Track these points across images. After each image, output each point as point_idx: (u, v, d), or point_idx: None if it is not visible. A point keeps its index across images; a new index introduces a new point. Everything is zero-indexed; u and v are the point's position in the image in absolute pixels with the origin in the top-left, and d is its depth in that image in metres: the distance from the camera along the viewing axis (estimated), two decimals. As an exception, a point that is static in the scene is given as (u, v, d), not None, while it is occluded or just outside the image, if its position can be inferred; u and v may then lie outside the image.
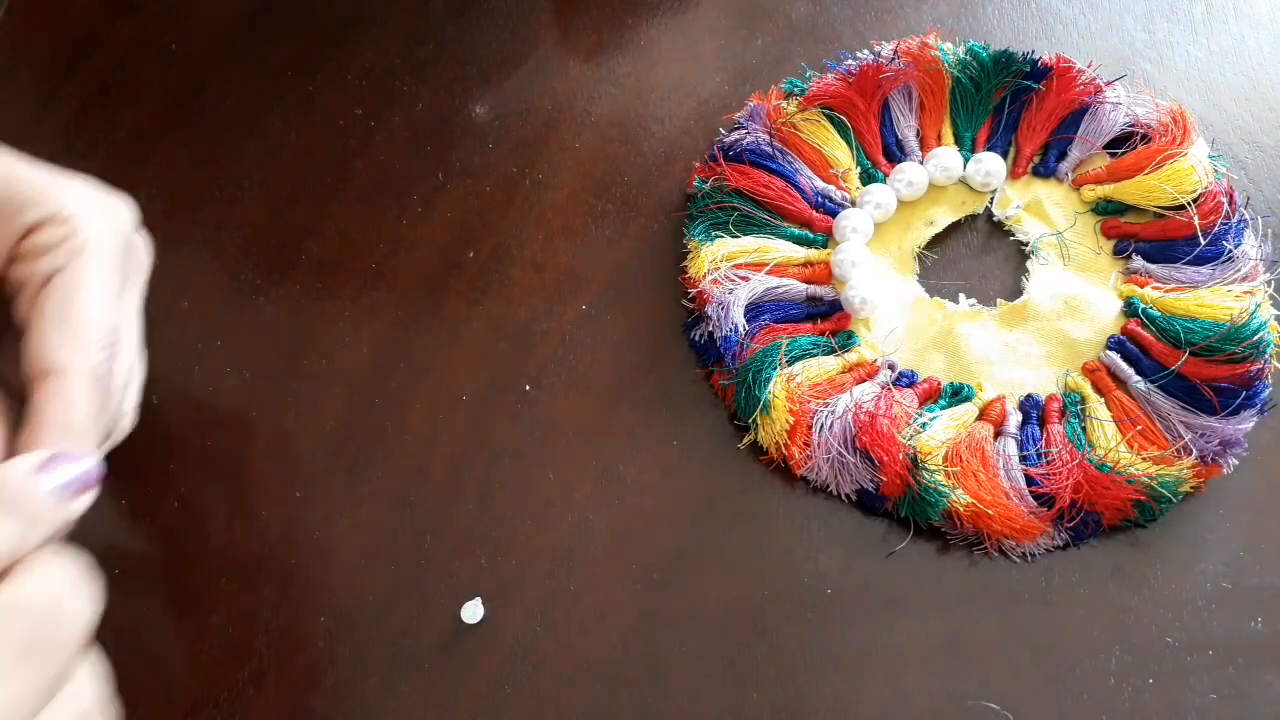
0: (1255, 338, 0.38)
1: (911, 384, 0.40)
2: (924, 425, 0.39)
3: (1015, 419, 0.40)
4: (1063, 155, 0.44)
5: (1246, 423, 0.39)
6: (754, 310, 0.41)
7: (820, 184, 0.44)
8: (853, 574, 0.38)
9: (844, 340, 0.41)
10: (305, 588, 0.37)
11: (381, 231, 0.44)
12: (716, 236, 0.42)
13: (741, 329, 0.40)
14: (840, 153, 0.44)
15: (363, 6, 0.49)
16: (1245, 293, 0.40)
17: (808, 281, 0.42)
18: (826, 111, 0.44)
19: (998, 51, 0.45)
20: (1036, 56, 0.45)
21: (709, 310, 0.40)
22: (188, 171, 0.45)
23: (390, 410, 0.40)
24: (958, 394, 0.40)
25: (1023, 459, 0.38)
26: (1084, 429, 0.39)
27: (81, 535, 0.25)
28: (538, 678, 0.36)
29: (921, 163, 0.44)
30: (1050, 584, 0.38)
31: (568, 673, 0.36)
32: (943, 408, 0.40)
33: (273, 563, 0.37)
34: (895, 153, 0.45)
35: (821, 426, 0.38)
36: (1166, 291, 0.41)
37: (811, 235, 0.43)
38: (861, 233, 0.42)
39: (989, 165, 0.44)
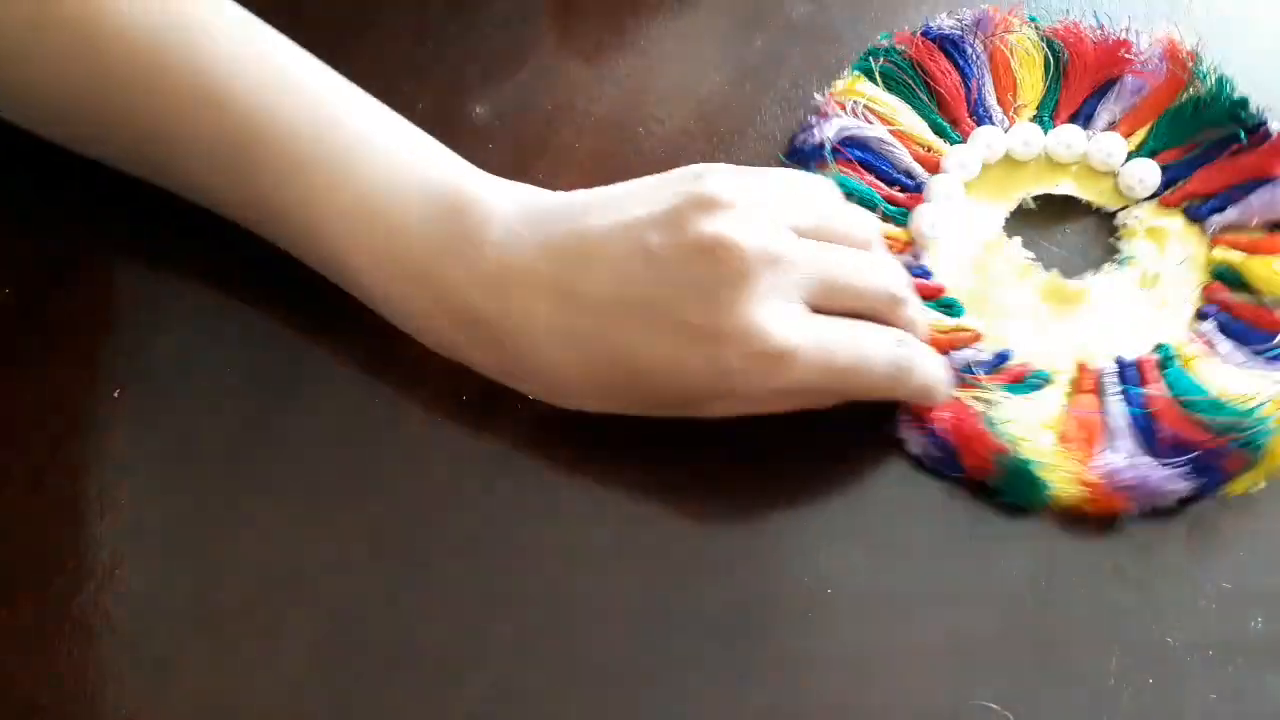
0: None
1: (1002, 363, 0.40)
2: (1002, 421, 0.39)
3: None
4: (1221, 209, 0.43)
5: None
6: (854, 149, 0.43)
7: (992, 103, 0.45)
8: (853, 574, 0.38)
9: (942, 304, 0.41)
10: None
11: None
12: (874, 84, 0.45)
13: (828, 147, 0.43)
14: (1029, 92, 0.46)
15: (362, 6, 0.49)
16: None
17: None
18: (1050, 43, 0.46)
19: (1239, 97, 0.45)
20: (1266, 118, 0.44)
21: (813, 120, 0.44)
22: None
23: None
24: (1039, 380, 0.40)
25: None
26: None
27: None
28: (536, 677, 0.36)
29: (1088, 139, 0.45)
30: (1050, 584, 0.38)
31: (567, 672, 0.36)
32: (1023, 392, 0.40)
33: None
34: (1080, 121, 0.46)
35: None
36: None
37: (953, 135, 0.45)
38: (968, 169, 0.44)
39: (1109, 146, 0.44)
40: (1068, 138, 0.44)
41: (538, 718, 0.35)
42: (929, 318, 0.40)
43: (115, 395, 0.40)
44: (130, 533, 0.38)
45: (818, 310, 0.34)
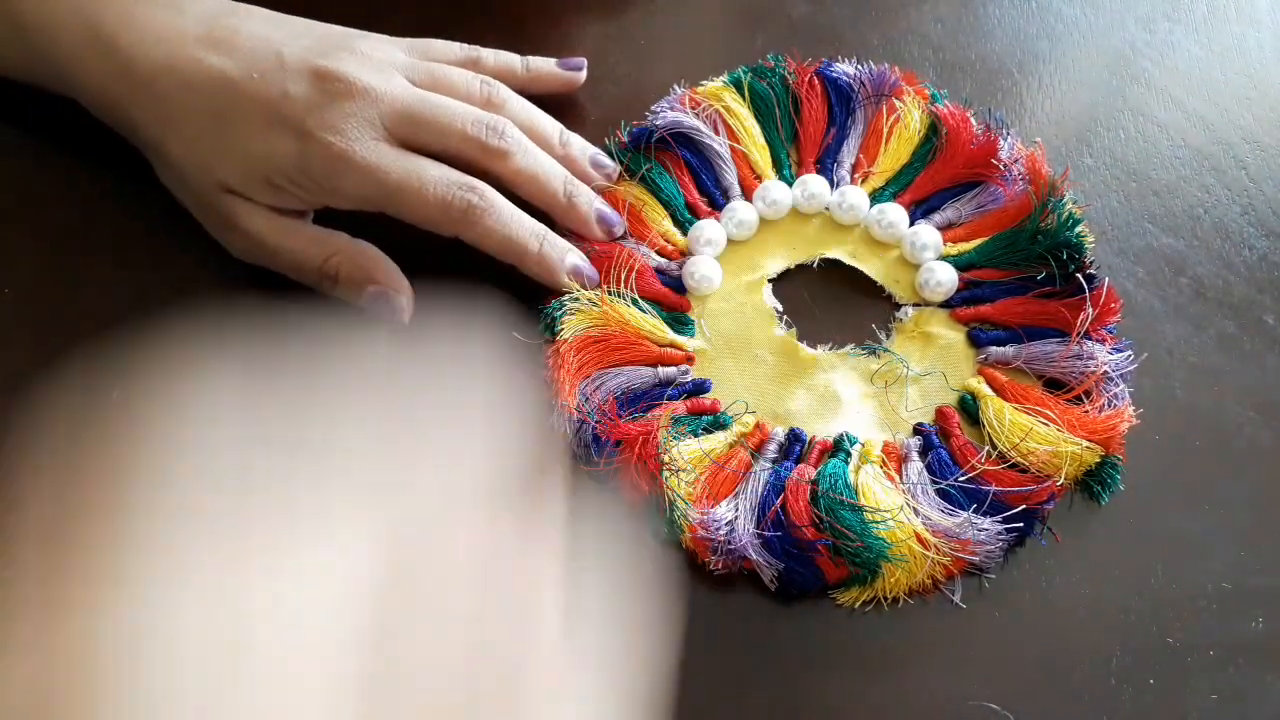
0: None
1: (697, 392, 0.40)
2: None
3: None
4: (1004, 344, 0.41)
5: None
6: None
7: (846, 158, 0.45)
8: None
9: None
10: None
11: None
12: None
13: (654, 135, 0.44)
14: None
15: (364, 7, 0.49)
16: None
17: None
18: (935, 123, 0.45)
19: (1077, 241, 0.42)
20: (1094, 273, 0.42)
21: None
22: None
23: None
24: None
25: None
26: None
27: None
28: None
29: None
30: (1050, 584, 0.38)
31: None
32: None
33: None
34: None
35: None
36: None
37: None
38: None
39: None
40: (893, 216, 0.43)
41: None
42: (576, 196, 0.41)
43: (115, 395, 0.40)
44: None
45: (410, 146, 0.39)
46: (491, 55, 0.44)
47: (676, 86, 0.46)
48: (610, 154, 0.44)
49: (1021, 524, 0.37)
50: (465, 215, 0.39)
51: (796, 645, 0.37)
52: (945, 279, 0.42)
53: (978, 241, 0.43)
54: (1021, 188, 0.43)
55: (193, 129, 0.39)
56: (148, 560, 0.22)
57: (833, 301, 0.43)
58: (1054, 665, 0.36)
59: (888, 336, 0.42)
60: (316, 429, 0.25)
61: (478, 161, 0.40)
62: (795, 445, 0.39)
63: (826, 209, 0.44)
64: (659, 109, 0.45)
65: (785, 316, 0.42)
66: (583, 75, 0.45)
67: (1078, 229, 0.42)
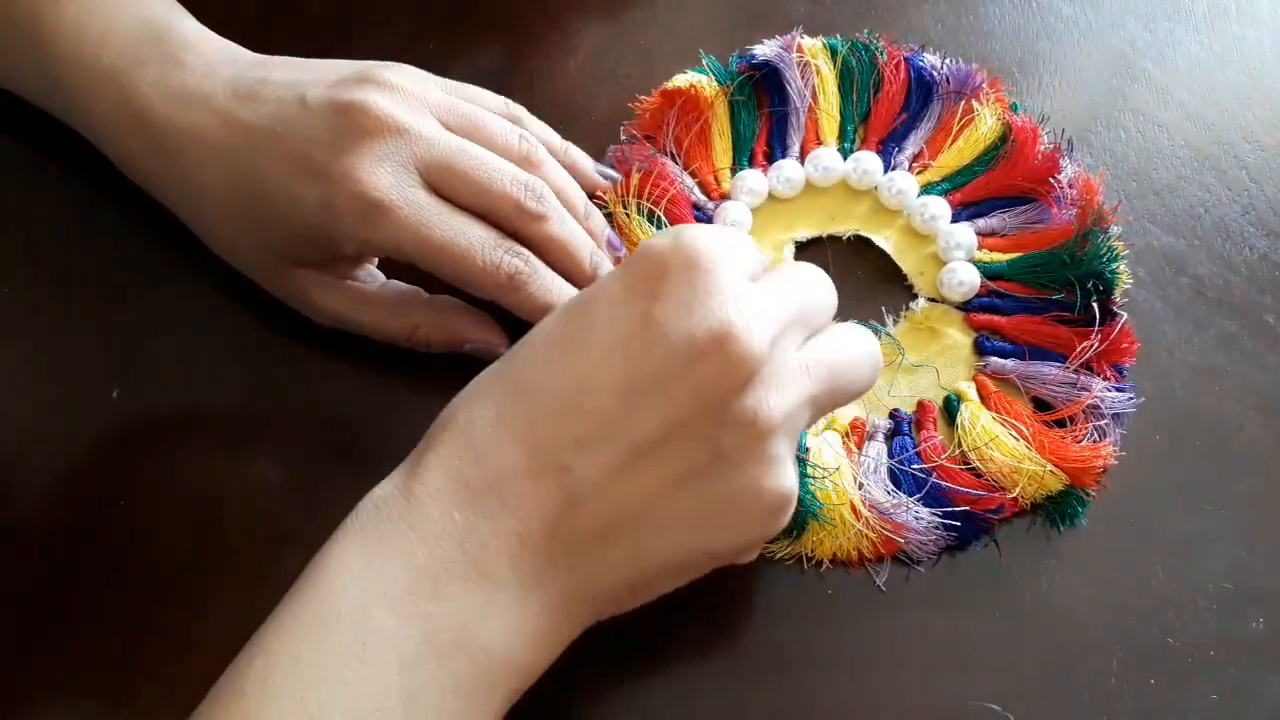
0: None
1: None
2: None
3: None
4: (1005, 357, 0.41)
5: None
6: None
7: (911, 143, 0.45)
8: (853, 574, 0.38)
9: None
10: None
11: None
12: None
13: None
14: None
15: (366, 7, 0.49)
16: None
17: None
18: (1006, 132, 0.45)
19: (1109, 274, 0.41)
20: (1115, 310, 0.41)
21: None
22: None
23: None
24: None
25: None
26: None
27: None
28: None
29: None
30: (1050, 584, 0.38)
31: (564, 673, 0.36)
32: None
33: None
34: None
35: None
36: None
37: None
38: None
39: (867, 164, 0.44)
40: (936, 210, 0.43)
41: (536, 716, 0.35)
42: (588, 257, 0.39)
43: (115, 395, 0.40)
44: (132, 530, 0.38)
45: (441, 195, 0.37)
46: (534, 122, 0.42)
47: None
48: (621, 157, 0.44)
49: (960, 524, 0.37)
50: (511, 281, 0.37)
51: (796, 645, 0.37)
52: (967, 280, 0.42)
53: (1013, 255, 0.42)
54: (1071, 213, 0.42)
55: (226, 199, 0.37)
56: None
57: (851, 277, 0.43)
58: (1054, 665, 0.36)
59: (895, 323, 0.42)
60: None
61: (510, 221, 0.38)
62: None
63: (875, 188, 0.44)
64: (768, 45, 0.45)
65: None
66: (610, 186, 0.44)
67: (1114, 265, 0.41)
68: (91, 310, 0.42)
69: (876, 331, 0.41)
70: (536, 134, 0.41)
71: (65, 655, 0.36)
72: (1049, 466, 0.38)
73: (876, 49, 0.46)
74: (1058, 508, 0.38)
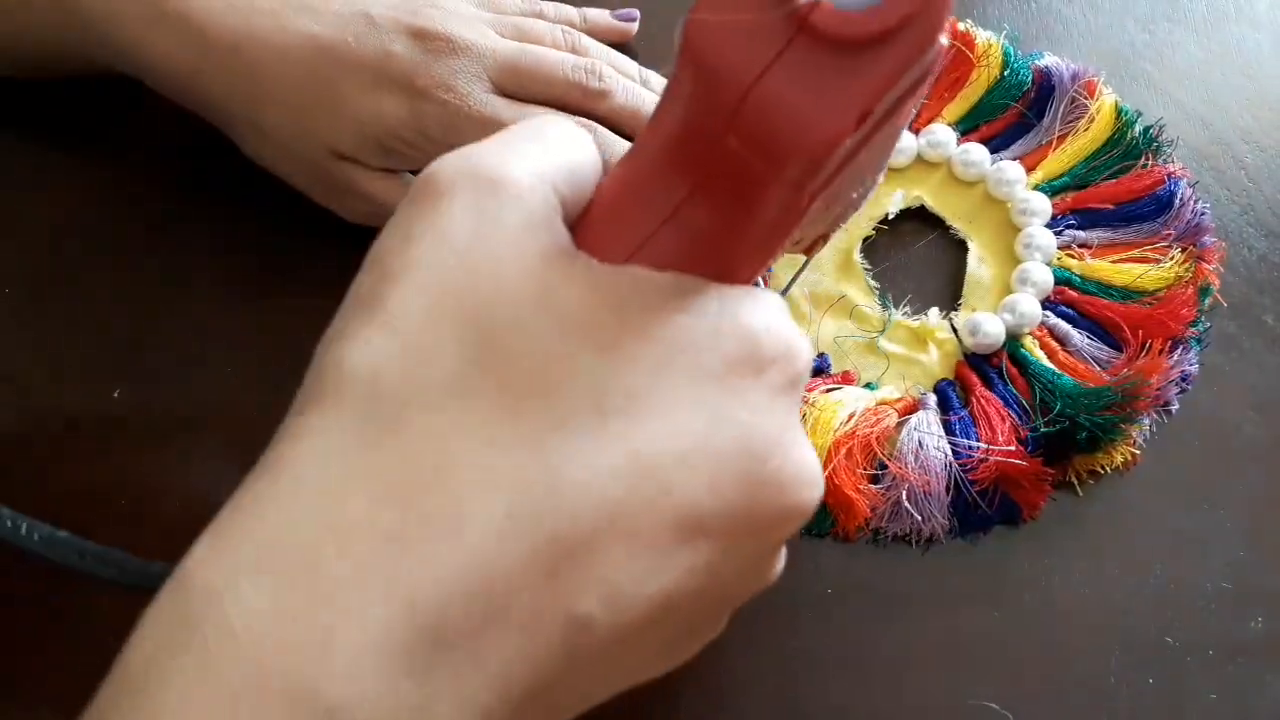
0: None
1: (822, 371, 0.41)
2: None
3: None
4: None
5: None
6: None
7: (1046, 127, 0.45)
8: (853, 574, 0.38)
9: None
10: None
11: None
12: None
13: None
14: None
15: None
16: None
17: None
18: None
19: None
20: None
21: None
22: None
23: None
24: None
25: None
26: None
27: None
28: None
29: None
30: (1050, 584, 0.38)
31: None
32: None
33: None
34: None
35: None
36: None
37: None
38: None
39: (940, 135, 0.44)
40: (1037, 206, 0.43)
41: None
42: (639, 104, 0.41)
43: (115, 395, 0.40)
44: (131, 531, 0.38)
45: (515, 97, 0.40)
46: (552, 8, 0.45)
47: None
48: None
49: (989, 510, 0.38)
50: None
51: (797, 645, 0.37)
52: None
53: (1094, 263, 0.42)
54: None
55: (293, 97, 0.39)
56: None
57: (904, 252, 0.44)
58: (1054, 665, 0.36)
59: (898, 315, 0.42)
60: None
61: (580, 105, 0.41)
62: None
63: (983, 178, 0.44)
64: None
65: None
66: (635, 26, 0.46)
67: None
68: (91, 310, 0.42)
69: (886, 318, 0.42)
70: (558, 22, 0.44)
71: (64, 656, 0.36)
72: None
73: (1039, 57, 0.46)
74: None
